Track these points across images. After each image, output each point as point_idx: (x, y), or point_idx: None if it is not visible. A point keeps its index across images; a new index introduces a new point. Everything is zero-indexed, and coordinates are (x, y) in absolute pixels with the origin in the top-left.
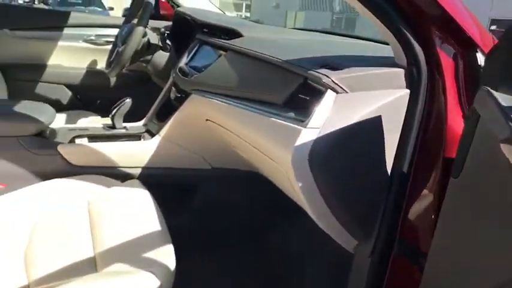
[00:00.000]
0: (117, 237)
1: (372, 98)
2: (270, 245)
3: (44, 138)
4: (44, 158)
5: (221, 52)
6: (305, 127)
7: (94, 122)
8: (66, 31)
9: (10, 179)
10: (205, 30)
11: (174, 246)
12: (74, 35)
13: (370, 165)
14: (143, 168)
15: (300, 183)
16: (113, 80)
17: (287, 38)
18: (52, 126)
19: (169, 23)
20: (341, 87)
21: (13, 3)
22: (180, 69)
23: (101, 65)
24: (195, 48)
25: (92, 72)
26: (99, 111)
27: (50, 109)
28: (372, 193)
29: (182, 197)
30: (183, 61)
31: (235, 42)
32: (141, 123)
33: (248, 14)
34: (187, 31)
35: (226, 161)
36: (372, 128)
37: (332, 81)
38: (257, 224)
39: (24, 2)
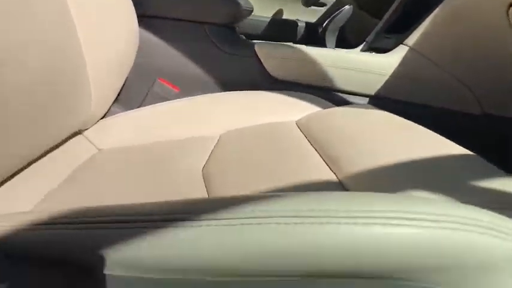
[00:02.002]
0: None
1: None
2: None
3: (234, 30)
4: (233, 58)
5: None
6: None
7: None
8: None
9: (183, 81)
10: None
11: None
12: None
13: None
14: (373, 97)
15: None
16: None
17: None
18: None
19: None
20: None
21: None
22: None
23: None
24: None
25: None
26: None
27: None
28: None
29: None
30: None
31: None
32: (357, 49)
33: None
34: None
35: None
36: None
37: None
38: None
39: None
